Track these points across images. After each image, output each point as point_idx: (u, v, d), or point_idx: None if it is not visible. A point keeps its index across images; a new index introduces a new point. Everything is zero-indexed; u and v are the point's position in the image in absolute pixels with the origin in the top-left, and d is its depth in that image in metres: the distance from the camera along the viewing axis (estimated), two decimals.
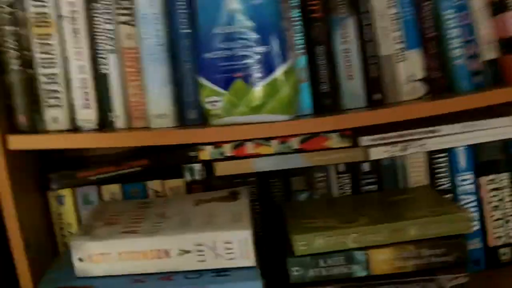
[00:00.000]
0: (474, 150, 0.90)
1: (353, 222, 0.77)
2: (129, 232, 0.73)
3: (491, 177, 0.91)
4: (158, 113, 0.79)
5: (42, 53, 0.78)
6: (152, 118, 0.79)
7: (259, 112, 0.75)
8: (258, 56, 0.74)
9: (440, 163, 0.90)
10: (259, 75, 0.74)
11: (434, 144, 0.89)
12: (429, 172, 0.91)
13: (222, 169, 0.86)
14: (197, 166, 0.87)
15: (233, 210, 0.77)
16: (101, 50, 0.79)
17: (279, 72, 0.74)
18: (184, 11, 0.80)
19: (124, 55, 0.79)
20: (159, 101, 0.79)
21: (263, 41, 0.74)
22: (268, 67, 0.74)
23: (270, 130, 0.75)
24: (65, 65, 0.79)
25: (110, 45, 0.79)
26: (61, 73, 0.78)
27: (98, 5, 0.79)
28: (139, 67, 0.79)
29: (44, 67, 0.78)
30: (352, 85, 0.84)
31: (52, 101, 0.79)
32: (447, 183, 0.91)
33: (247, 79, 0.75)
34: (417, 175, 0.90)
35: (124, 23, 0.79)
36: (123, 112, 0.80)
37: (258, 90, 0.74)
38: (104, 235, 0.73)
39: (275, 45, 0.74)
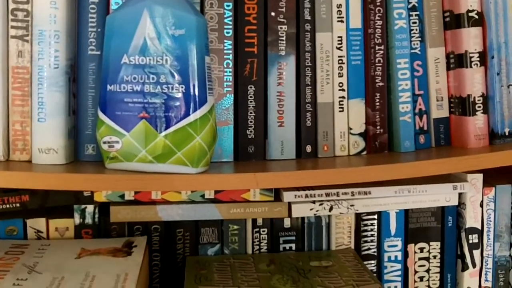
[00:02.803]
0: (406, 215, 0.82)
1: None
2: None
3: (420, 245, 0.83)
4: (45, 147, 0.65)
5: None
6: (36, 152, 0.65)
7: (163, 162, 0.63)
8: (171, 97, 0.62)
9: (368, 226, 0.81)
10: (169, 119, 0.62)
11: (364, 206, 0.79)
12: (356, 234, 0.82)
13: (119, 215, 0.73)
14: (89, 208, 0.74)
15: (120, 270, 0.64)
16: None
17: (193, 118, 0.61)
18: (94, 29, 0.67)
19: (12, 75, 0.66)
20: (47, 133, 0.65)
21: (180, 80, 0.61)
22: (181, 111, 0.61)
23: (176, 184, 0.63)
24: None
25: None
26: None
27: None
28: (27, 91, 0.66)
29: None
30: (282, 133, 0.73)
31: None
32: (373, 248, 0.82)
33: (154, 122, 0.62)
34: (342, 237, 0.81)
35: (15, 37, 0.65)
36: (1, 142, 0.65)
37: (166, 136, 0.62)
38: None
39: (193, 85, 0.61)
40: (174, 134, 0.62)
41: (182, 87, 0.61)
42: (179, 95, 0.61)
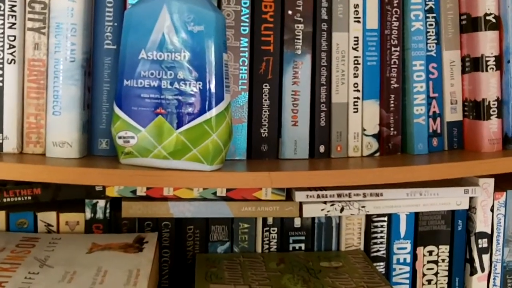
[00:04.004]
0: (416, 217, 0.82)
1: None
2: None
3: (429, 248, 0.82)
4: (59, 140, 0.65)
5: None
6: (50, 145, 0.65)
7: (178, 158, 0.63)
8: (188, 93, 0.61)
9: (378, 228, 0.81)
10: (186, 115, 0.61)
11: (375, 208, 0.79)
12: (365, 235, 0.81)
13: (131, 210, 0.73)
14: (101, 203, 0.73)
15: (131, 266, 0.64)
16: None
17: (209, 115, 0.61)
18: (111, 24, 0.67)
19: (27, 67, 0.65)
20: (62, 126, 0.64)
21: (197, 76, 0.61)
22: (197, 108, 0.61)
23: (190, 181, 0.63)
24: None
25: (10, 53, 0.64)
26: None
27: (2, 5, 0.64)
28: (43, 84, 0.65)
29: None
30: (296, 133, 0.73)
31: None
32: (383, 250, 0.82)
33: (170, 118, 0.62)
34: (351, 238, 0.81)
35: (32, 29, 0.65)
36: (15, 134, 0.65)
37: (181, 132, 0.62)
38: None
39: (210, 82, 0.61)
40: (190, 131, 0.62)
41: (199, 84, 0.61)
42: (196, 91, 0.61)
